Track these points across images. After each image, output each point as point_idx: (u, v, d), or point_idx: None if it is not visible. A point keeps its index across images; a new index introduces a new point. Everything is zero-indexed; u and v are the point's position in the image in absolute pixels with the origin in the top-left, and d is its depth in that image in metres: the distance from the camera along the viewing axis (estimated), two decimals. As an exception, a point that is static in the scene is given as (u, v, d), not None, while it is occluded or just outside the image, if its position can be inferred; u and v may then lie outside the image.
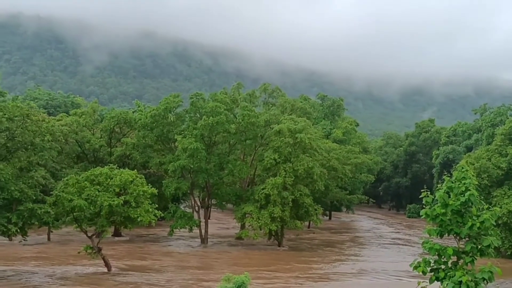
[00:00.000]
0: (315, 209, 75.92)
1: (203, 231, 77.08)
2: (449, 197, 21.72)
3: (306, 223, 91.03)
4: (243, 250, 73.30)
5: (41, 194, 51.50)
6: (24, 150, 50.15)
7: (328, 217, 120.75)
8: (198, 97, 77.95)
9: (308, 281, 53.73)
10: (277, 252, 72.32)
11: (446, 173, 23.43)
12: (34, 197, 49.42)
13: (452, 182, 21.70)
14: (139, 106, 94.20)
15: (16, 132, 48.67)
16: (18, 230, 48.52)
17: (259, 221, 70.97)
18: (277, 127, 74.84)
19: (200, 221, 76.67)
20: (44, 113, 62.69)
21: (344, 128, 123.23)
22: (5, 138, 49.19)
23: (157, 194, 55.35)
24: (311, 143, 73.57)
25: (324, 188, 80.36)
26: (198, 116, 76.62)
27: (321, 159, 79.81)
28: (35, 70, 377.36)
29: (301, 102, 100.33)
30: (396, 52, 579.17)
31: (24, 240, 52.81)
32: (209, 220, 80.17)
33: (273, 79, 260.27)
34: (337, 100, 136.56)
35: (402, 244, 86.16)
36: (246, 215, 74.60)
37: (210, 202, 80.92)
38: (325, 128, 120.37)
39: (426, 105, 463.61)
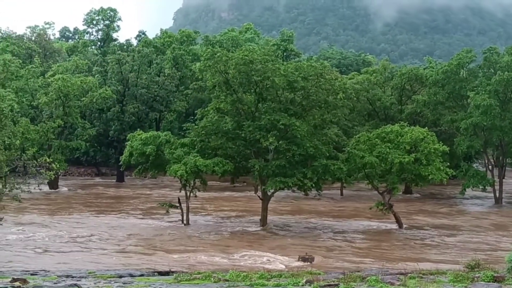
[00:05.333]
0: None
1: (497, 190, 74.27)
2: None
3: None
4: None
5: (334, 150, 53.21)
6: (318, 108, 52.11)
7: None
8: (492, 51, 74.97)
9: None
10: None
11: None
12: (328, 154, 51.19)
13: None
14: (430, 63, 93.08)
15: (310, 91, 50.72)
16: (313, 185, 50.83)
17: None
18: None
19: (494, 180, 74.00)
20: (337, 71, 64.40)
21: None
22: (301, 97, 51.53)
23: (448, 152, 54.43)
24: None
25: None
26: (492, 71, 73.69)
27: None
28: (328, 30, 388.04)
29: None
30: None
31: (318, 194, 55.22)
32: (503, 179, 76.96)
33: None
34: None
35: None
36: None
37: (505, 160, 77.58)
38: None
39: None
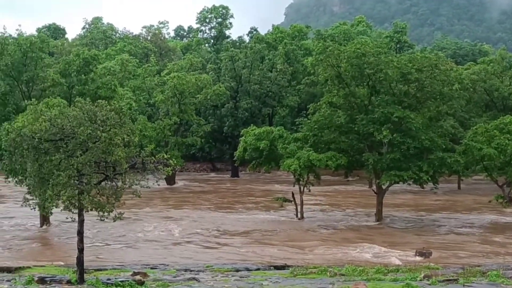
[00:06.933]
0: None
1: None
2: None
3: None
4: None
5: (450, 143, 52.04)
6: (433, 99, 51.05)
7: None
8: None
9: None
10: None
11: None
12: (444, 146, 50.10)
13: None
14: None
15: (425, 82, 49.70)
16: (429, 178, 49.79)
17: None
18: None
19: None
20: (452, 62, 62.85)
21: None
22: (415, 89, 50.57)
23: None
24: None
25: None
26: None
27: None
28: (442, 20, 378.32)
29: None
30: None
31: (435, 188, 54.08)
32: None
33: None
34: None
35: None
36: None
37: None
38: None
39: None
